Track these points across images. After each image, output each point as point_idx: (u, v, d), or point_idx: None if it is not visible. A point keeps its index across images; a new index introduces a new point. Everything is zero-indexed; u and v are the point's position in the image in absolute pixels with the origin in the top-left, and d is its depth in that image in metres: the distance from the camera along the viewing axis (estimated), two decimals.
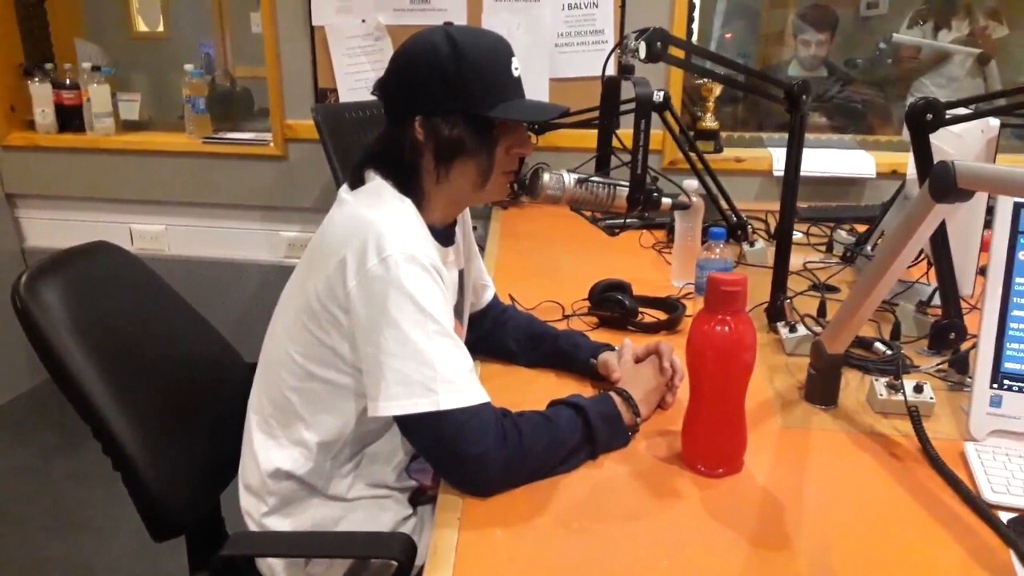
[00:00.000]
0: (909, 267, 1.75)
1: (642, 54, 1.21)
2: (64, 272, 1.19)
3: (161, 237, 3.04)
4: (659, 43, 1.23)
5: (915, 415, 1.14)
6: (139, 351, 1.24)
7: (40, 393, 3.06)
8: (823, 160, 2.55)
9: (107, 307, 1.23)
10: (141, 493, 1.13)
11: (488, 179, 1.13)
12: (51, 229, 3.08)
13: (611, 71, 1.54)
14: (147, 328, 1.30)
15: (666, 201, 1.27)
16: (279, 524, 1.16)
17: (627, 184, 1.23)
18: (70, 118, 2.95)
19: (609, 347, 1.32)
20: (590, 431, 1.07)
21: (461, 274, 1.28)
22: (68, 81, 2.93)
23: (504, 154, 1.14)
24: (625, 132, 1.41)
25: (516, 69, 1.12)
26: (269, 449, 1.16)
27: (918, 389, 1.21)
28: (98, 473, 2.46)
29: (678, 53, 1.55)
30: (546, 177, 1.22)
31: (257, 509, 1.17)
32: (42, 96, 2.91)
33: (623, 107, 1.48)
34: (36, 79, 2.89)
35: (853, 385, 1.31)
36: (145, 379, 1.21)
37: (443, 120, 1.08)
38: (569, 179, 1.23)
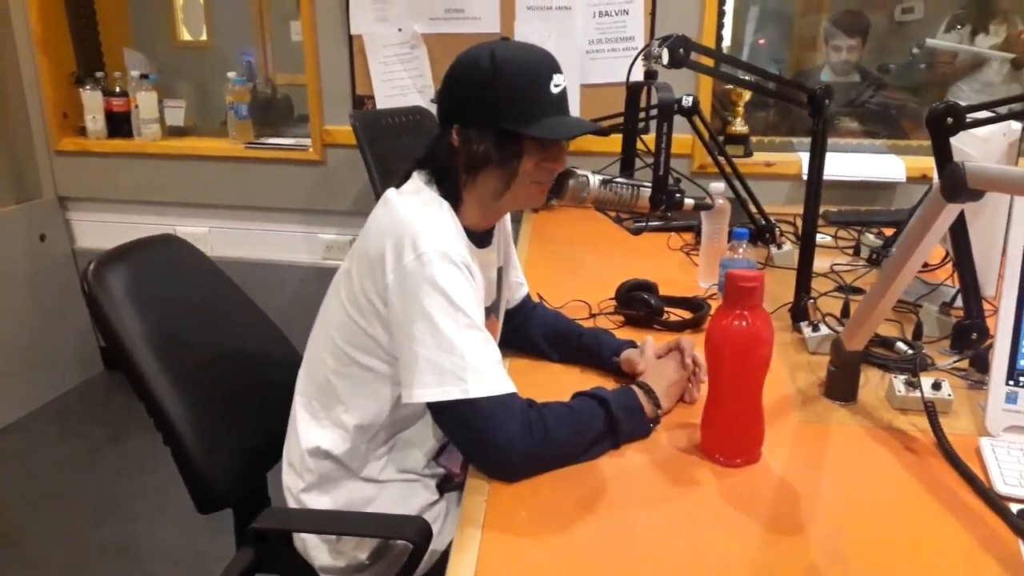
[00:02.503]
0: (934, 269, 1.77)
1: (665, 60, 1.25)
2: (130, 260, 1.30)
3: (204, 239, 3.14)
4: (681, 49, 1.28)
5: (931, 410, 1.17)
6: (195, 335, 1.33)
7: (89, 388, 3.18)
8: (852, 164, 2.57)
9: (168, 293, 1.33)
10: (187, 467, 1.22)
11: (508, 190, 1.17)
12: (100, 230, 3.20)
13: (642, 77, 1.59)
14: (205, 314, 1.39)
15: (688, 202, 1.32)
16: (315, 500, 1.24)
17: (650, 185, 1.27)
18: (119, 124, 3.08)
19: (632, 344, 1.37)
20: (613, 422, 1.11)
21: (500, 272, 1.34)
22: (117, 89, 3.05)
23: (534, 167, 1.18)
24: (652, 137, 1.46)
25: (557, 87, 1.16)
26: (310, 428, 1.24)
27: (936, 386, 1.24)
28: (143, 465, 2.57)
29: (708, 62, 1.60)
30: (573, 179, 1.27)
31: (296, 485, 1.25)
32: (93, 103, 3.04)
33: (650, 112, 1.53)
34: (87, 87, 3.02)
35: (873, 383, 1.34)
36: (199, 361, 1.30)
37: (475, 132, 1.15)
38: (594, 180, 1.27)
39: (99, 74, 3.06)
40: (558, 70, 1.17)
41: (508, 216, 1.37)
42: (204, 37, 3.61)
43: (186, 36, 3.61)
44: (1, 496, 2.54)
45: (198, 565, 2.14)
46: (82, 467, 2.68)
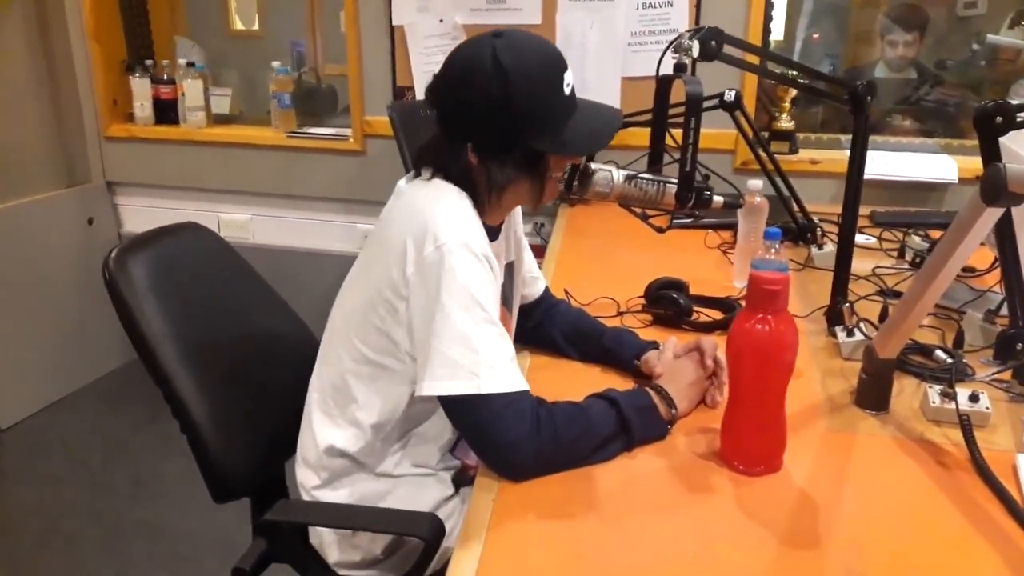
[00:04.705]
0: (982, 275, 1.70)
1: (695, 53, 1.22)
2: (152, 248, 1.31)
3: (247, 226, 3.18)
4: (713, 42, 1.23)
5: (966, 423, 1.11)
6: (214, 323, 1.33)
7: (130, 369, 3.25)
8: (903, 163, 2.47)
9: (188, 281, 1.33)
10: (203, 455, 1.22)
11: (540, 199, 1.19)
12: (146, 215, 3.26)
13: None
14: (225, 303, 1.39)
15: (718, 199, 1.27)
16: (329, 496, 1.23)
17: (677, 181, 1.24)
18: (166, 111, 3.13)
19: (655, 345, 1.33)
20: (624, 422, 1.09)
21: (510, 266, 1.32)
22: (165, 76, 3.10)
23: (556, 168, 1.18)
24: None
25: (568, 85, 1.13)
26: (326, 427, 1.23)
27: (974, 398, 1.18)
28: (179, 448, 2.60)
29: (753, 59, 1.55)
30: (595, 173, 1.24)
31: (310, 481, 1.24)
32: (141, 90, 3.09)
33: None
34: (136, 74, 3.07)
35: (908, 392, 1.29)
36: (217, 350, 1.30)
37: (494, 156, 1.13)
38: (618, 175, 1.24)
39: (148, 62, 3.11)
40: (566, 67, 1.13)
41: (519, 209, 1.35)
42: (256, 27, 3.65)
43: (239, 26, 3.65)
44: (42, 472, 2.61)
45: (224, 549, 2.15)
46: (121, 447, 2.75)
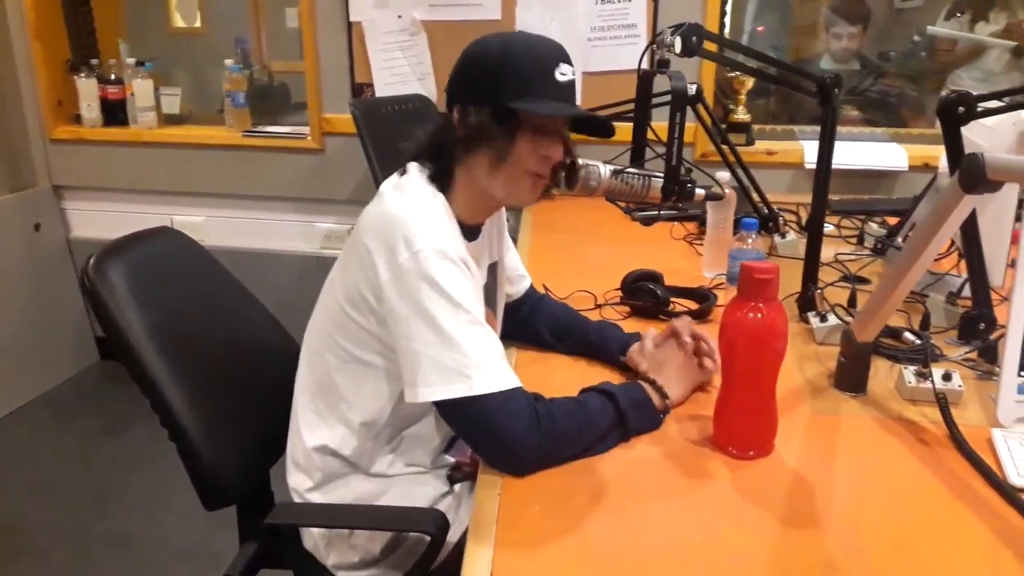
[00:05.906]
0: (939, 259, 1.77)
1: (677, 49, 1.24)
2: (128, 254, 1.28)
3: (201, 228, 3.11)
4: (694, 38, 1.26)
5: (943, 401, 1.17)
6: (196, 328, 1.31)
7: (85, 378, 3.16)
8: (855, 153, 2.56)
9: (167, 287, 1.31)
10: (194, 462, 1.20)
11: (499, 171, 1.14)
12: (96, 220, 3.18)
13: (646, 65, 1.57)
14: (204, 307, 1.37)
15: (699, 192, 1.31)
16: (323, 499, 1.22)
17: (661, 175, 1.26)
18: (114, 112, 3.04)
19: (639, 337, 1.35)
20: (621, 415, 1.11)
21: (493, 267, 1.32)
22: (113, 76, 3.01)
23: (529, 152, 1.14)
24: (659, 124, 1.45)
25: (563, 75, 1.13)
26: (316, 427, 1.22)
27: (947, 377, 1.23)
28: (141, 457, 2.56)
29: (711, 47, 1.58)
30: (584, 169, 1.25)
31: (303, 484, 1.23)
32: (88, 91, 3.00)
33: (657, 100, 1.52)
34: (82, 75, 2.98)
35: (883, 373, 1.34)
36: (201, 354, 1.28)
37: (474, 108, 1.13)
38: (605, 171, 1.26)
39: (94, 61, 3.02)
40: (567, 60, 1.15)
41: (503, 209, 1.34)
42: (198, 24, 3.57)
43: (180, 23, 3.57)
44: (1, 486, 2.52)
45: (200, 556, 2.13)
46: (80, 458, 2.67)
